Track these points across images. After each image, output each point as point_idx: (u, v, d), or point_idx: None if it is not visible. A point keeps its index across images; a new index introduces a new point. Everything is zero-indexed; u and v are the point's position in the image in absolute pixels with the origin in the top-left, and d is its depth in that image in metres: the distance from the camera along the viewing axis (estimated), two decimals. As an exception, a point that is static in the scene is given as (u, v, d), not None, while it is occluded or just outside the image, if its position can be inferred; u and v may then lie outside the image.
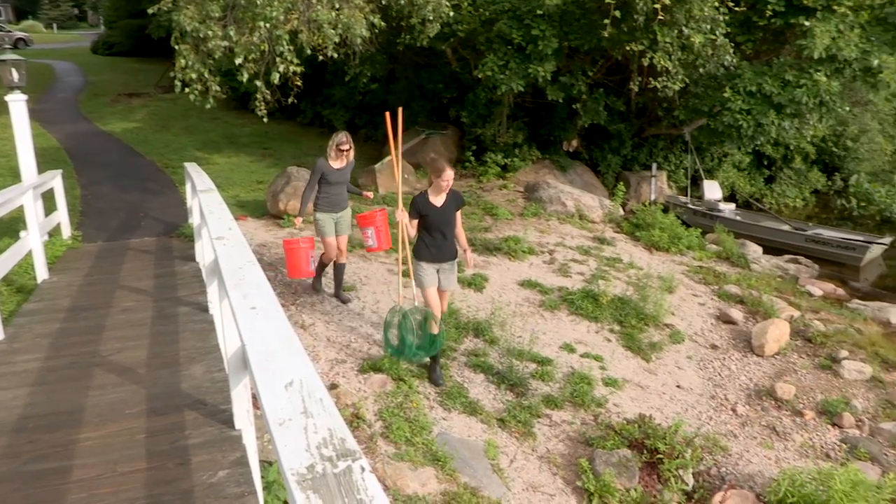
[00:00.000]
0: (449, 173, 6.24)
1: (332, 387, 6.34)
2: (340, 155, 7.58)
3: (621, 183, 15.17)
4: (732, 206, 15.41)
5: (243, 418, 3.85)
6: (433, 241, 6.44)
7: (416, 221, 6.41)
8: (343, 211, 7.78)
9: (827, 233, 14.07)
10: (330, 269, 8.44)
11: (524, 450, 6.17)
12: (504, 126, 15.17)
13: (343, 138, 7.56)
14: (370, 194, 8.42)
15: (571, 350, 7.97)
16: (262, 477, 3.98)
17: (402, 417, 6.11)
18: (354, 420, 5.92)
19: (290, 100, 11.19)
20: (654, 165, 15.91)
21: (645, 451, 6.16)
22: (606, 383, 7.41)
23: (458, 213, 6.57)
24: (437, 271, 6.57)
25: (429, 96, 17.08)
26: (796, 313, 9.81)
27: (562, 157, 16.00)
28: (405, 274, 7.01)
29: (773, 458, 6.66)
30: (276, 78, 10.00)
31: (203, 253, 6.75)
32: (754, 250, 13.14)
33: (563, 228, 12.37)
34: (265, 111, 10.63)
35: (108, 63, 34.22)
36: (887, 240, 13.74)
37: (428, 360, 6.87)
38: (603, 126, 15.46)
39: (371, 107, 18.20)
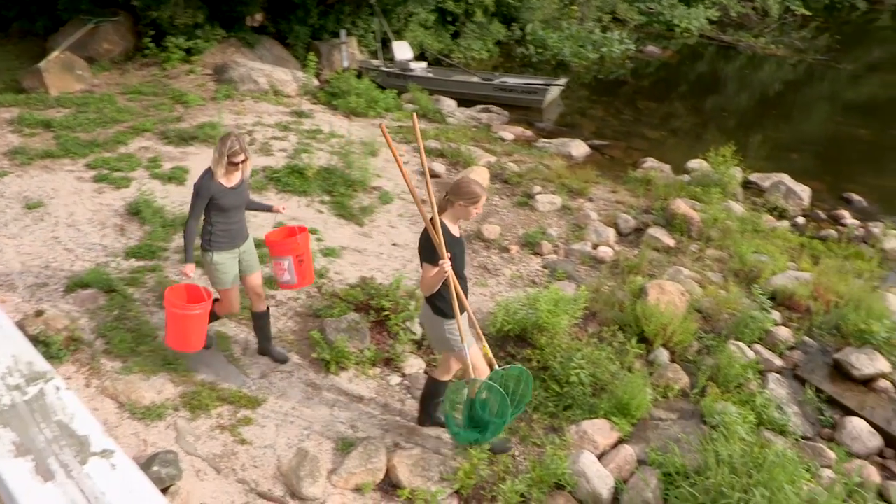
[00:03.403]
0: (484, 199, 4.52)
1: (38, 313, 5.72)
2: (234, 169, 5.15)
3: (312, 53, 14.77)
4: (424, 64, 15.70)
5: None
6: (463, 283, 4.61)
7: None
8: (245, 242, 5.44)
9: (512, 80, 14.90)
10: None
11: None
12: (181, 6, 13.85)
13: (236, 146, 5.05)
14: (282, 208, 5.82)
15: (285, 228, 7.81)
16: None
17: (122, 329, 5.78)
18: (71, 343, 5.46)
19: None
20: (343, 32, 15.61)
21: (371, 311, 6.29)
22: (325, 254, 7.39)
23: None
24: None
25: (91, -21, 15.08)
26: (493, 159, 10.41)
27: (248, 33, 15.14)
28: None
29: (489, 294, 7.14)
30: None
31: None
32: (449, 104, 13.62)
33: (258, 107, 11.87)
34: None
35: None
36: (563, 81, 14.92)
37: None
38: (285, -4, 14.81)
39: (22, -6, 15.68)
